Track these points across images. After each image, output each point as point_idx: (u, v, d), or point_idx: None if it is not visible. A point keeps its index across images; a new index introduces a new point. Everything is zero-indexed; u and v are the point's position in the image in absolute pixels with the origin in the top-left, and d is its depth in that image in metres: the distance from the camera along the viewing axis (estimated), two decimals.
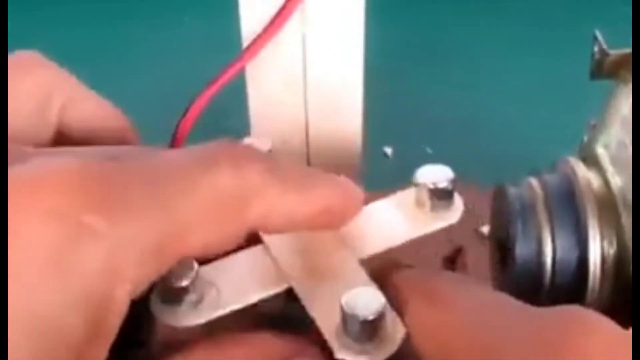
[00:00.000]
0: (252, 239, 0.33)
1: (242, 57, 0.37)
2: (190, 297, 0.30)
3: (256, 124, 0.41)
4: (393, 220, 0.34)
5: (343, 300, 0.27)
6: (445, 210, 0.34)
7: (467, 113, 0.63)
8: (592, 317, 0.25)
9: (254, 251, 0.33)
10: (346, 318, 0.27)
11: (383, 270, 0.32)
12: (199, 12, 0.70)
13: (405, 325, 0.29)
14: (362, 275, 0.31)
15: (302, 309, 0.30)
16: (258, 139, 0.36)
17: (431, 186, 0.33)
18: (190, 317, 0.30)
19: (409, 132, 0.61)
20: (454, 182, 0.33)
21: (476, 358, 0.26)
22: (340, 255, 0.32)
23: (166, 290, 0.30)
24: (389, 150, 0.59)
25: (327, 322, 0.29)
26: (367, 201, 0.44)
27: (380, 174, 0.51)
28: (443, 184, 0.33)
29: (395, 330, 0.28)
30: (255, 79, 0.39)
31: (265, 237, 0.33)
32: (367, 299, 0.28)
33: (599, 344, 0.24)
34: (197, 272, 0.30)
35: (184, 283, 0.30)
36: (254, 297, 0.31)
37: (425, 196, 0.33)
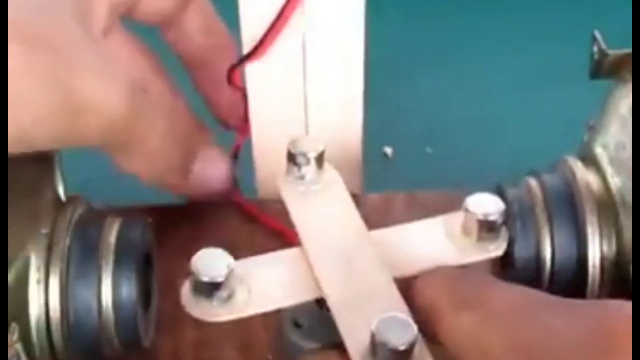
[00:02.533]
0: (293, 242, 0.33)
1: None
2: (222, 294, 0.30)
3: (256, 124, 0.41)
4: (438, 244, 0.33)
5: (374, 326, 0.27)
6: (492, 242, 0.33)
7: (467, 113, 0.62)
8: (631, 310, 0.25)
9: (292, 254, 0.33)
10: (376, 344, 0.27)
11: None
12: None
13: (438, 336, 0.28)
14: (397, 299, 0.31)
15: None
16: (307, 139, 0.36)
17: (481, 217, 0.32)
18: (219, 313, 0.30)
19: (409, 132, 0.61)
20: (504, 214, 0.33)
21: (519, 356, 0.26)
22: (379, 273, 0.31)
23: (198, 283, 0.29)
24: (389, 150, 0.59)
25: (355, 344, 0.28)
26: (367, 201, 0.45)
27: (380, 174, 0.51)
28: (493, 217, 0.33)
29: None
30: (255, 80, 0.39)
31: (306, 241, 0.33)
32: (399, 328, 0.27)
33: None
34: (231, 269, 0.30)
35: (218, 279, 0.29)
36: (284, 302, 0.31)
37: (473, 225, 0.33)
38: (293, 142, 0.35)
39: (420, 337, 0.28)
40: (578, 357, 0.25)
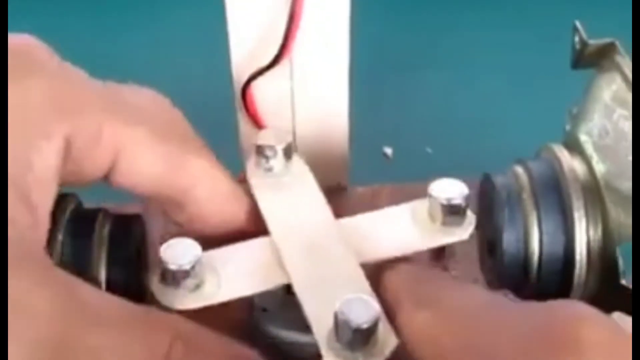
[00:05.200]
0: (260, 231, 0.34)
1: None
2: (189, 282, 0.31)
3: (244, 120, 0.41)
4: (404, 229, 0.34)
5: (337, 306, 0.27)
6: (457, 226, 0.34)
7: (468, 113, 0.63)
8: (588, 312, 0.25)
9: (260, 243, 0.33)
10: (339, 324, 0.27)
11: (376, 269, 0.32)
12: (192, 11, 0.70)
13: (398, 332, 0.29)
14: (362, 281, 0.31)
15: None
16: (275, 131, 0.36)
17: (444, 202, 0.33)
18: (187, 301, 0.31)
19: (409, 132, 0.61)
20: (467, 198, 0.33)
21: (469, 354, 0.26)
22: (345, 259, 0.32)
23: (166, 271, 0.30)
24: (389, 150, 0.59)
25: (320, 325, 0.29)
26: (354, 193, 0.45)
27: (380, 174, 0.52)
28: (457, 201, 0.33)
29: (387, 340, 0.28)
30: (243, 76, 0.39)
31: (274, 230, 0.33)
32: (362, 307, 0.28)
33: (596, 339, 0.24)
34: (198, 258, 0.30)
35: (185, 267, 0.30)
36: (252, 290, 0.32)
37: (437, 210, 0.33)
38: (261, 135, 0.35)
39: (383, 317, 0.28)
40: (525, 355, 0.25)
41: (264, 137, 0.35)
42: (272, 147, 0.35)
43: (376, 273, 0.32)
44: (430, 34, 0.70)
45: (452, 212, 0.33)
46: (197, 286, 0.31)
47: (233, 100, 0.41)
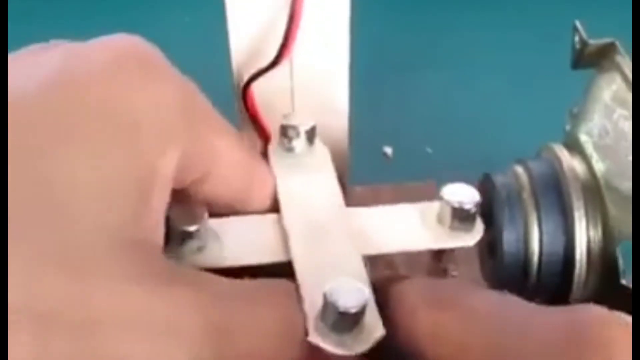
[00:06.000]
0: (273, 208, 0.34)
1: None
2: (193, 243, 0.31)
3: (244, 120, 0.42)
4: (411, 228, 0.34)
5: (327, 288, 0.28)
6: (465, 231, 0.33)
7: (467, 113, 0.63)
8: (610, 315, 0.25)
9: (269, 218, 0.34)
10: (326, 306, 0.27)
11: (388, 280, 0.32)
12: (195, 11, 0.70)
13: (413, 333, 0.29)
14: (361, 269, 0.31)
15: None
16: (300, 114, 0.37)
17: (455, 205, 0.33)
18: (189, 261, 0.31)
19: (409, 132, 0.61)
20: (478, 204, 0.33)
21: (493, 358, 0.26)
22: (347, 244, 0.32)
23: (172, 231, 0.30)
24: (389, 150, 0.59)
25: (311, 305, 0.29)
26: (355, 192, 0.45)
27: (380, 173, 0.52)
28: (467, 206, 0.33)
29: (374, 329, 0.28)
30: (243, 74, 0.39)
31: (284, 208, 0.34)
32: (351, 291, 0.27)
33: (620, 345, 0.24)
34: (205, 221, 0.31)
35: (191, 228, 0.31)
36: (252, 260, 0.32)
37: (447, 214, 0.33)
38: (286, 116, 0.36)
39: (373, 306, 0.28)
40: (555, 358, 0.24)
41: (288, 118, 0.36)
42: (295, 128, 0.36)
43: (387, 285, 0.31)
44: (430, 34, 0.70)
45: (462, 217, 0.33)
46: (200, 249, 0.31)
47: (233, 100, 0.41)
